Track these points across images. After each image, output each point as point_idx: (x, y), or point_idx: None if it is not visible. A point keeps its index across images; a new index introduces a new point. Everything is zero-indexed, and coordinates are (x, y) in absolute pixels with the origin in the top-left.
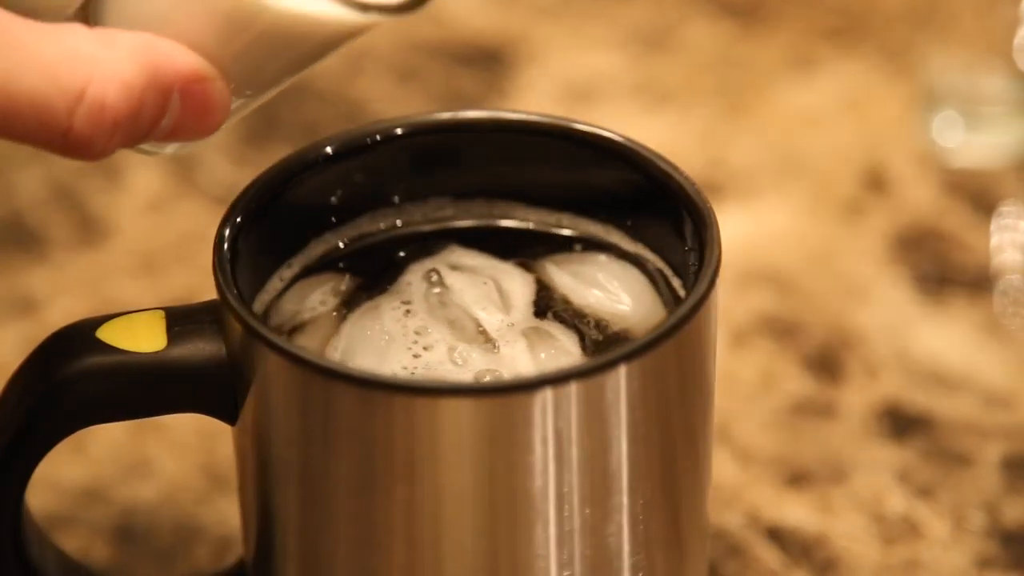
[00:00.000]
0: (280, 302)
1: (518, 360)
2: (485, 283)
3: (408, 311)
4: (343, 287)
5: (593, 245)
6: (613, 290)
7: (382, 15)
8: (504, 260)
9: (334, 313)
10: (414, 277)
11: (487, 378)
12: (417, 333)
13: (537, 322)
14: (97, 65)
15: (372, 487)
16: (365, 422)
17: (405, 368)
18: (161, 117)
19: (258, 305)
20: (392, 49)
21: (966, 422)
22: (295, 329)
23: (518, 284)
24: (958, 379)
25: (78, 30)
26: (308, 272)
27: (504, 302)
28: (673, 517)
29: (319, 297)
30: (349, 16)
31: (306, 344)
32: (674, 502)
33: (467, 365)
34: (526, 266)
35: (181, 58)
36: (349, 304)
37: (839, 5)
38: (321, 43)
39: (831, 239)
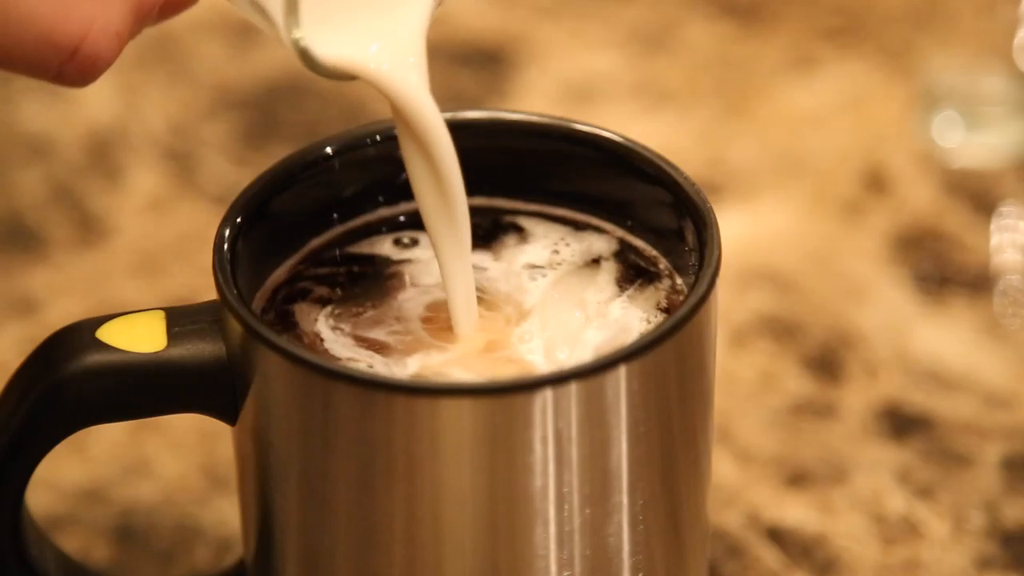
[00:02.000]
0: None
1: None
2: None
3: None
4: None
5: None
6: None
7: (303, 59)
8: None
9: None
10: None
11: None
12: None
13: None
14: (91, 22)
15: (372, 487)
16: (365, 422)
17: None
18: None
19: (258, 305)
20: None
21: (966, 422)
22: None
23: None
24: (958, 379)
25: None
26: (308, 272)
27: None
28: (673, 517)
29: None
30: (285, 35)
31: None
32: (674, 502)
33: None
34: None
35: None
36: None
37: (839, 5)
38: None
39: (831, 239)
